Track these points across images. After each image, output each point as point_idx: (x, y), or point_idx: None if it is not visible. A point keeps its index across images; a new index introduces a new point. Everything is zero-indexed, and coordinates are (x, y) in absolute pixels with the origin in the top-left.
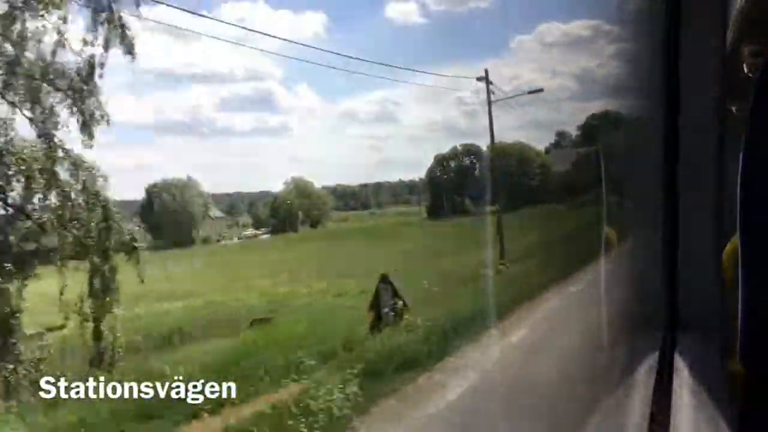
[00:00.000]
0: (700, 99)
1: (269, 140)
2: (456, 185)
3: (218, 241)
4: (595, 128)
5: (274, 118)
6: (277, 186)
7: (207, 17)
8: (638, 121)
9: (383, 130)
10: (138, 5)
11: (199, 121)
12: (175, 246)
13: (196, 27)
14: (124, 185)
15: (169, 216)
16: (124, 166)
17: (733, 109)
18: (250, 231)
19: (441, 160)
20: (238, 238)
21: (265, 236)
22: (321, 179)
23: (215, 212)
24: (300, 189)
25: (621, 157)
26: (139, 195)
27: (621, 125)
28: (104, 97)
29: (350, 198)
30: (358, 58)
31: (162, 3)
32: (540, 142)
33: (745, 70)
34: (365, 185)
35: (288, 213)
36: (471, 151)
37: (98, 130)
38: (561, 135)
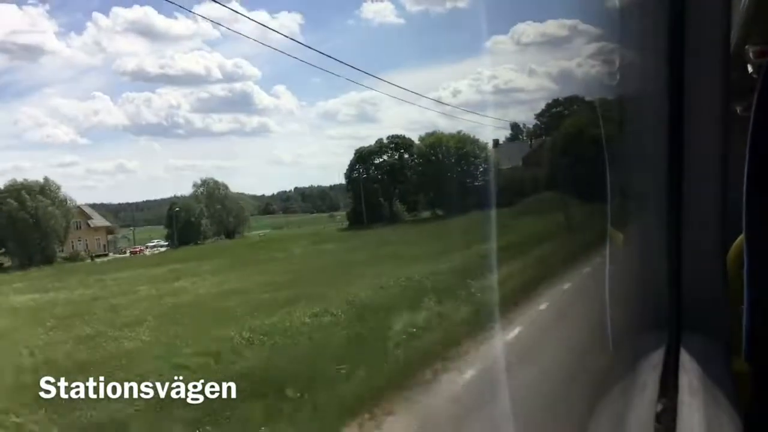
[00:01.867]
0: (705, 99)
1: (246, 141)
2: (383, 186)
3: (93, 257)
4: (570, 120)
5: (251, 119)
6: (185, 190)
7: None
8: (641, 121)
9: (363, 131)
10: None
11: (175, 123)
12: (22, 266)
13: (171, 28)
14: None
15: (16, 228)
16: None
17: (738, 109)
18: (154, 242)
19: (363, 156)
20: (131, 252)
21: (162, 248)
22: (297, 179)
23: (98, 220)
24: (212, 193)
25: (622, 157)
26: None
27: (622, 125)
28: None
29: (318, 199)
30: (336, 62)
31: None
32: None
33: (750, 70)
34: (333, 186)
35: (187, 222)
36: (399, 144)
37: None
38: (516, 127)
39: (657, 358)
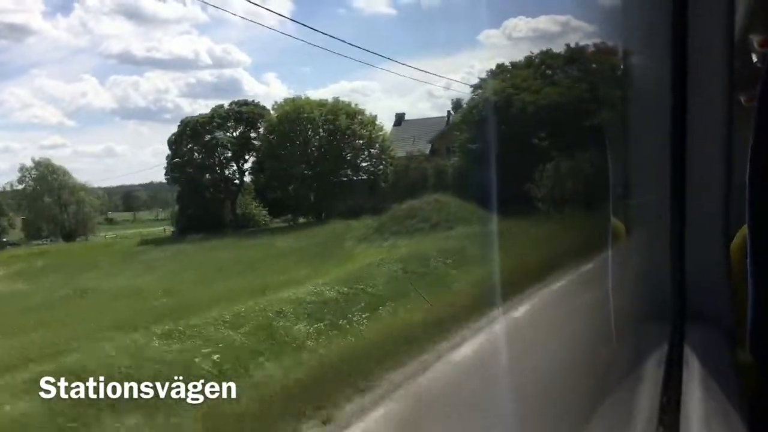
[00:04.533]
0: (708, 89)
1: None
2: (224, 177)
3: None
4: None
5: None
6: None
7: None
8: (644, 111)
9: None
10: None
11: (163, 108)
12: None
13: (159, 11)
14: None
15: None
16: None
17: (742, 99)
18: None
19: (191, 129)
20: None
21: None
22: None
23: None
24: (44, 181)
25: (625, 148)
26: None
27: (624, 116)
28: None
29: None
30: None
31: None
32: None
33: (754, 59)
34: None
35: None
36: (246, 114)
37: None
38: (458, 105)
39: (661, 349)
